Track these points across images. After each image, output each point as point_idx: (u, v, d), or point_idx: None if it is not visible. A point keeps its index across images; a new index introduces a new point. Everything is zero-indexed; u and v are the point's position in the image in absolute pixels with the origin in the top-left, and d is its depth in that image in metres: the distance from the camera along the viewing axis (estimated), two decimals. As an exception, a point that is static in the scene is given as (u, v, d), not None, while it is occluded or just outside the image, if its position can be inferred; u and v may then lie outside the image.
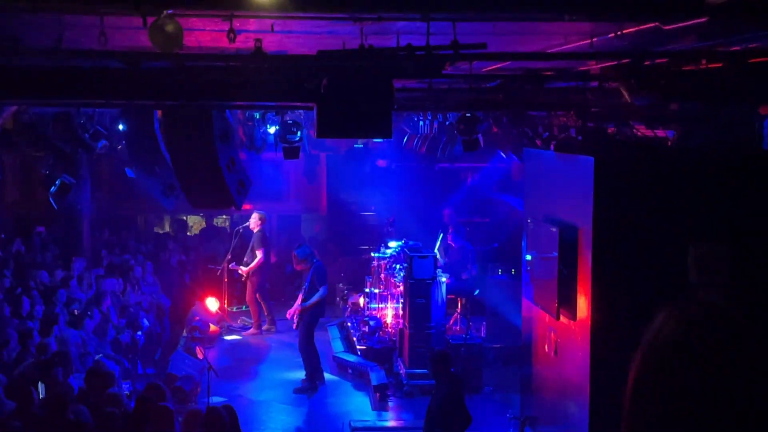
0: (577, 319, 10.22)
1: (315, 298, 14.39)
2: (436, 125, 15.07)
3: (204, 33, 7.48)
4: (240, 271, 17.62)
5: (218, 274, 18.19)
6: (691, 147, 10.60)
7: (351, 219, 20.20)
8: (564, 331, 10.72)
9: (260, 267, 17.61)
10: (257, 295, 17.71)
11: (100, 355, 12.33)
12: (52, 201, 12.94)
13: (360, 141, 19.20)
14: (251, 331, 17.76)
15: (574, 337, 10.36)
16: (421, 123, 16.01)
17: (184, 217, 22.44)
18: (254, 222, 17.68)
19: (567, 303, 10.40)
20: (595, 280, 9.85)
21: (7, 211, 16.78)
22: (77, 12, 6.08)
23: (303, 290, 14.54)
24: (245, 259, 17.66)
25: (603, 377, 9.81)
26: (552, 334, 11.10)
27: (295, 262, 15.02)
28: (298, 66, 8.13)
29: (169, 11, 5.17)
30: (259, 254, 17.48)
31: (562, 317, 10.64)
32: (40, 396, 9.73)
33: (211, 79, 8.60)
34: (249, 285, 17.77)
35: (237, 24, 6.27)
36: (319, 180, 21.15)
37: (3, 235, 15.89)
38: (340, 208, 20.43)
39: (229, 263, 17.84)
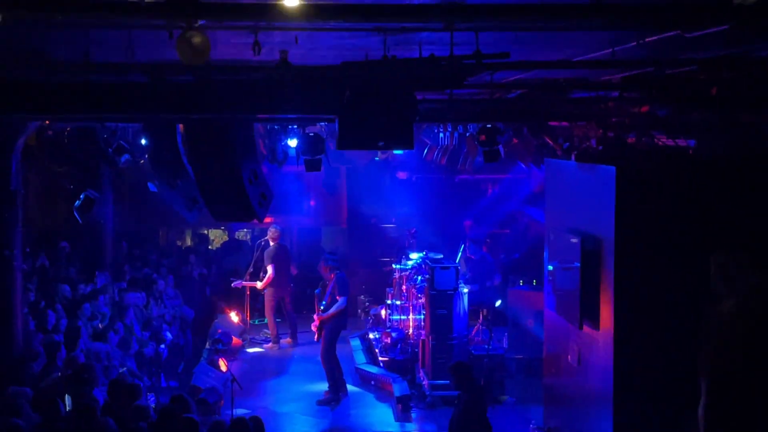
0: (600, 328, 10.21)
1: (334, 309, 14.43)
2: (456, 136, 15.09)
3: (229, 46, 7.55)
4: (259, 287, 17.69)
5: (240, 287, 18.25)
6: (712, 155, 10.58)
7: (372, 231, 20.22)
8: (587, 341, 10.70)
9: (275, 281, 17.69)
10: (283, 308, 17.83)
11: (124, 368, 12.40)
12: (76, 215, 13.03)
13: (380, 153, 19.23)
14: (270, 344, 17.82)
15: (597, 347, 10.35)
16: (441, 134, 16.04)
17: (206, 231, 22.53)
18: (269, 236, 17.82)
19: (590, 313, 10.38)
20: (618, 289, 9.84)
21: (31, 226, 16.87)
22: (107, 26, 6.14)
23: (324, 300, 14.58)
24: (261, 274, 17.77)
25: (627, 387, 9.80)
26: (575, 345, 11.09)
27: (322, 269, 15.09)
28: (322, 76, 8.18)
29: (198, 23, 5.22)
30: (269, 270, 17.58)
31: (584, 327, 10.63)
32: (67, 409, 9.78)
33: (234, 91, 8.66)
34: (266, 298, 17.87)
35: (262, 37, 6.34)
36: (340, 192, 21.18)
37: (27, 249, 15.98)
38: (361, 220, 20.45)
39: (251, 276, 17.90)
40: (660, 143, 11.27)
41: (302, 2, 5.23)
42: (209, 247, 22.56)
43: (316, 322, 14.53)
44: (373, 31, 6.69)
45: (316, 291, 15.23)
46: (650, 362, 9.67)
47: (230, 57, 8.42)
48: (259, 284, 17.70)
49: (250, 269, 18.05)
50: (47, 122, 12.20)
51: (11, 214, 11.24)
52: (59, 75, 8.61)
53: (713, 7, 5.44)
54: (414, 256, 15.94)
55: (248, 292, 18.22)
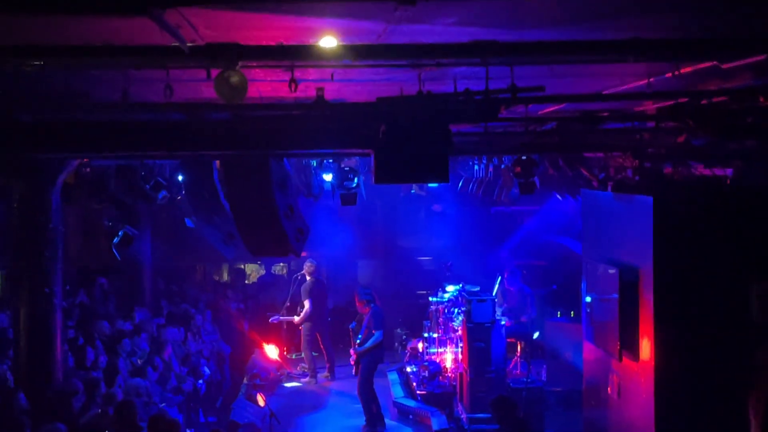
0: (640, 360, 10.13)
1: (370, 343, 14.42)
2: (491, 169, 15.09)
3: (265, 83, 7.63)
4: (296, 321, 17.71)
5: (277, 321, 18.28)
6: (749, 185, 10.51)
7: (408, 264, 20.21)
8: (627, 373, 10.62)
9: (312, 315, 17.73)
10: (320, 343, 17.83)
11: (163, 404, 12.44)
12: (114, 252, 13.15)
13: (415, 186, 19.25)
14: (307, 378, 17.81)
15: (638, 379, 10.26)
16: (476, 167, 16.05)
17: (242, 266, 22.62)
18: (306, 270, 17.86)
19: (629, 344, 10.31)
20: (658, 320, 9.78)
21: (71, 263, 17.04)
22: (146, 67, 6.23)
23: (360, 334, 14.59)
24: (298, 309, 17.80)
25: (668, 419, 9.70)
26: (614, 377, 11.00)
27: (357, 303, 15.11)
28: (357, 113, 8.23)
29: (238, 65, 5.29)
30: (306, 305, 17.61)
31: (624, 359, 10.55)
32: (107, 445, 9.84)
33: (270, 128, 8.73)
34: (303, 333, 17.88)
35: (298, 74, 6.40)
36: (376, 226, 21.21)
37: (67, 287, 16.13)
38: (397, 253, 20.46)
39: (287, 311, 17.94)
40: (697, 173, 11.21)
41: (340, 44, 5.28)
42: (246, 281, 22.64)
43: (354, 357, 14.53)
44: (407, 66, 6.73)
45: (351, 326, 15.23)
46: (691, 394, 9.58)
47: (267, 94, 8.50)
48: (296, 319, 17.74)
49: (287, 303, 18.09)
50: (86, 160, 12.35)
51: (51, 251, 11.35)
52: (99, 114, 8.74)
53: (746, 40, 5.44)
54: (450, 288, 15.90)
55: (285, 327, 18.25)
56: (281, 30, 5.16)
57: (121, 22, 4.29)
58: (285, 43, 5.38)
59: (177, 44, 4.87)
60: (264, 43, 5.43)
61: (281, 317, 17.88)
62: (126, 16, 3.85)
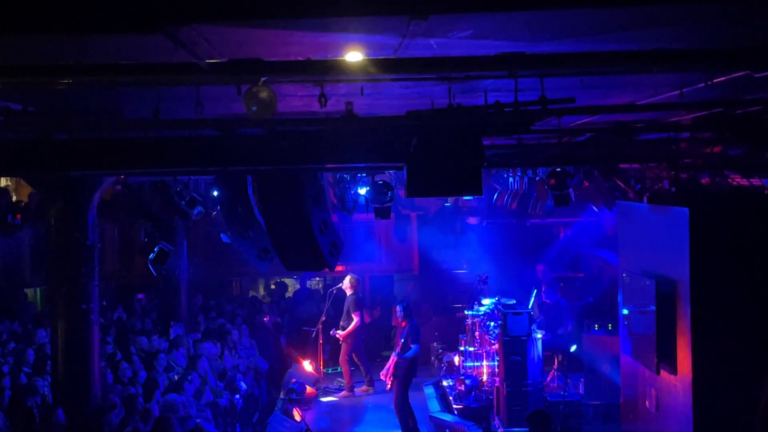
0: (678, 373, 10.02)
1: (408, 355, 14.39)
2: (526, 181, 15.03)
3: (295, 98, 7.65)
4: (338, 336, 17.70)
5: (313, 335, 18.28)
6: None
7: (443, 277, 20.15)
8: (665, 387, 10.51)
9: (355, 330, 17.69)
10: (354, 356, 17.78)
11: (200, 420, 12.47)
12: (151, 268, 13.25)
13: (450, 199, 19.22)
14: (344, 392, 17.79)
15: (676, 393, 10.15)
16: (510, 179, 16.00)
17: (279, 280, 22.68)
18: (348, 285, 17.76)
19: (667, 357, 10.21)
20: (696, 332, 9.67)
21: (108, 279, 17.22)
22: (176, 84, 6.28)
23: (397, 348, 14.56)
24: (341, 323, 17.74)
25: (707, 433, 9.59)
26: (653, 390, 10.89)
27: (394, 317, 15.09)
28: (388, 127, 8.24)
29: (264, 79, 5.31)
30: (355, 318, 17.55)
31: (662, 372, 10.44)
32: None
33: (303, 142, 8.77)
34: (343, 346, 17.82)
35: (327, 89, 6.42)
36: (411, 239, 21.19)
37: (104, 303, 16.28)
38: (432, 266, 20.41)
39: (323, 324, 17.94)
40: (734, 183, 11.10)
41: (365, 58, 5.29)
42: (285, 295, 22.70)
43: (390, 371, 14.49)
44: (437, 80, 6.72)
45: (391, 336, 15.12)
46: (731, 408, 9.44)
47: (298, 109, 8.53)
48: (339, 333, 17.69)
49: (323, 318, 18.09)
50: (123, 177, 12.47)
51: (88, 268, 11.46)
52: (132, 131, 8.82)
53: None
54: (486, 301, 15.83)
55: (321, 341, 18.25)
56: (301, 46, 5.17)
57: (142, 41, 4.32)
58: (310, 57, 5.39)
59: (196, 62, 4.91)
60: (285, 58, 5.44)
61: (339, 332, 17.75)
62: (141, 34, 3.88)
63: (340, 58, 5.32)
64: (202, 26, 4.18)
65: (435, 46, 5.02)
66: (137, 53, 5.00)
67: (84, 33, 3.87)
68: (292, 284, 23.09)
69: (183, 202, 12.97)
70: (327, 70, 5.44)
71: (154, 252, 13.18)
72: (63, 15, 3.67)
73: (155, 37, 4.00)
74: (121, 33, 3.97)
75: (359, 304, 17.70)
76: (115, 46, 4.66)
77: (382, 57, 5.43)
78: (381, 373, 14.83)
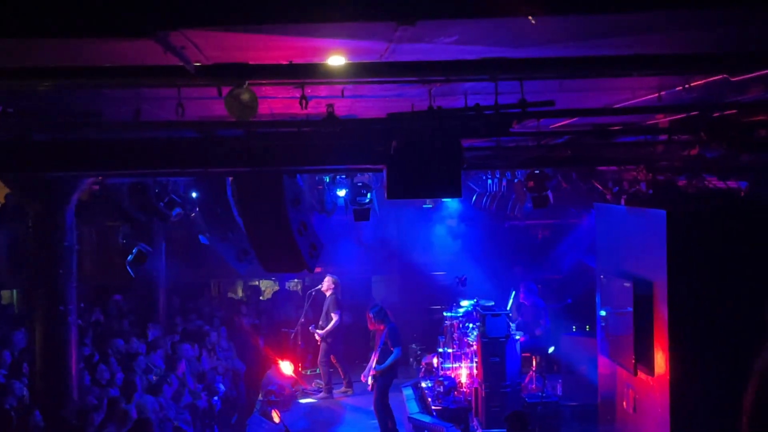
0: (656, 374, 10.10)
1: (390, 361, 14.39)
2: (504, 183, 15.10)
3: (276, 100, 7.66)
4: (317, 334, 17.67)
5: (292, 337, 18.27)
6: (763, 197, 10.49)
7: (422, 279, 20.14)
8: (642, 387, 10.59)
9: (334, 330, 17.69)
10: (332, 358, 17.77)
11: (177, 422, 12.44)
12: (129, 269, 13.20)
13: (429, 201, 19.25)
14: (322, 394, 17.78)
15: (653, 393, 10.23)
16: (489, 181, 16.06)
17: (257, 282, 22.63)
18: (327, 285, 17.76)
19: (644, 358, 10.29)
20: (673, 333, 9.76)
21: (86, 281, 17.11)
22: (157, 85, 6.28)
23: (377, 351, 14.55)
24: (320, 323, 17.73)
25: (684, 433, 9.66)
26: (630, 391, 10.96)
27: (369, 322, 15.10)
28: (368, 129, 8.27)
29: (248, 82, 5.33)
30: (334, 317, 17.55)
31: (639, 373, 10.52)
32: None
33: (283, 144, 8.78)
34: (322, 348, 17.81)
35: (308, 90, 6.43)
36: (390, 241, 21.19)
37: (82, 304, 16.20)
38: (410, 268, 20.39)
39: (302, 326, 17.93)
40: (711, 186, 11.19)
41: (348, 62, 5.31)
42: (261, 297, 22.66)
43: (369, 373, 14.50)
44: (417, 82, 6.75)
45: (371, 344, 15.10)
46: (708, 408, 9.53)
47: (278, 111, 8.54)
48: (318, 332, 17.67)
49: (302, 319, 18.08)
50: (100, 178, 12.42)
51: (66, 269, 11.41)
52: (112, 133, 8.80)
53: (754, 55, 5.45)
54: (465, 303, 15.88)
55: (300, 342, 18.23)
56: (288, 50, 5.19)
57: (130, 44, 4.33)
58: (294, 61, 5.40)
59: (184, 65, 4.91)
60: (272, 62, 5.45)
61: (318, 331, 17.72)
62: (131, 38, 3.89)
63: (326, 63, 5.34)
64: (191, 31, 4.19)
65: (421, 51, 5.05)
66: (121, 57, 5.00)
67: (74, 37, 3.87)
68: (270, 286, 23.03)
69: (162, 204, 12.94)
70: (312, 74, 5.46)
71: (132, 254, 13.13)
72: (50, 19, 3.67)
73: (144, 41, 4.01)
74: (111, 37, 3.97)
75: (338, 304, 17.71)
76: (98, 49, 4.66)
77: (367, 61, 5.46)
78: (362, 376, 14.84)
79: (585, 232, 16.85)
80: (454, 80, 6.46)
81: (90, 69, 5.24)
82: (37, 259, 11.54)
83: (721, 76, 6.50)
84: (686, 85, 7.27)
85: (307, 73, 5.46)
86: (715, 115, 8.60)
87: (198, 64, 5.13)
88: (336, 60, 5.34)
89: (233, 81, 5.31)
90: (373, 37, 4.83)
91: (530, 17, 4.12)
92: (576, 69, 5.54)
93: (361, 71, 5.38)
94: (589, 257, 15.65)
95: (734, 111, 8.28)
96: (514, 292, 16.36)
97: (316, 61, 5.45)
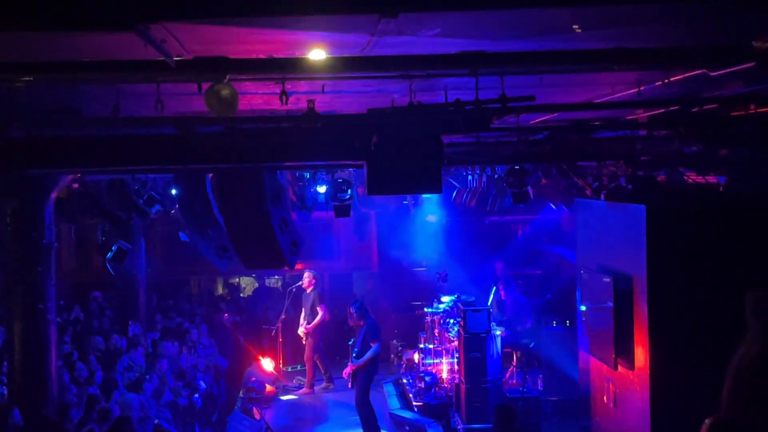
0: (636, 368, 10.13)
1: (368, 356, 14.36)
2: (484, 179, 15.11)
3: (256, 96, 7.64)
4: (305, 330, 17.63)
5: (272, 334, 18.24)
6: (742, 192, 10.54)
7: (402, 275, 20.14)
8: (623, 382, 10.62)
9: (318, 326, 17.69)
10: (314, 355, 17.76)
11: (158, 420, 12.40)
12: (108, 267, 13.14)
13: (409, 197, 19.25)
14: (304, 390, 17.76)
15: (634, 388, 10.26)
16: (469, 177, 16.07)
17: (237, 279, 22.60)
18: (307, 281, 17.73)
19: (624, 353, 10.31)
20: (652, 328, 9.78)
21: (65, 279, 17.04)
22: (137, 81, 6.25)
23: (356, 347, 14.53)
24: (305, 318, 17.70)
25: (664, 427, 9.69)
26: (610, 385, 10.99)
27: (350, 318, 15.09)
28: (349, 124, 8.25)
29: (229, 76, 5.30)
30: (320, 311, 17.55)
31: (620, 367, 10.55)
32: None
33: (263, 141, 8.75)
34: (308, 343, 17.77)
35: (289, 86, 6.42)
36: (370, 237, 21.19)
37: (62, 302, 16.13)
38: (391, 264, 20.38)
39: (283, 323, 17.89)
40: (690, 181, 11.24)
41: (329, 56, 5.30)
42: (241, 294, 22.62)
43: (349, 369, 14.49)
44: (398, 77, 6.75)
45: (350, 342, 15.11)
46: (688, 402, 9.52)
47: (258, 107, 8.51)
48: (301, 330, 17.65)
49: (283, 316, 18.05)
50: (79, 175, 12.35)
51: (44, 267, 11.34)
52: (91, 129, 8.75)
53: (733, 49, 5.47)
54: (446, 299, 15.89)
55: (280, 339, 18.21)
56: (269, 44, 5.17)
57: (109, 38, 4.30)
58: (274, 56, 5.39)
59: (164, 59, 4.88)
60: (253, 56, 5.44)
61: (306, 327, 17.69)
62: (112, 31, 3.87)
63: (306, 57, 5.33)
64: (172, 24, 4.17)
65: (402, 44, 5.04)
66: (100, 51, 4.97)
67: (53, 31, 3.84)
68: (251, 283, 23.00)
69: (141, 201, 12.89)
70: (292, 68, 5.45)
71: (111, 251, 13.07)
72: (29, 13, 3.64)
73: (124, 34, 3.99)
74: (91, 31, 3.95)
75: (322, 298, 17.71)
76: (78, 43, 4.63)
77: (348, 55, 5.45)
78: (344, 372, 14.83)
79: (565, 228, 16.91)
80: (434, 75, 6.46)
81: (69, 64, 5.21)
82: (14, 256, 11.44)
83: (700, 71, 6.53)
84: (666, 80, 7.30)
85: (288, 67, 5.45)
86: (694, 110, 8.64)
87: (178, 58, 5.10)
88: (316, 54, 5.33)
89: (214, 75, 5.29)
90: (355, 30, 4.82)
91: (575, 27, 4.11)
92: (557, 62, 5.55)
93: (343, 65, 5.37)
94: (569, 252, 15.69)
95: (713, 106, 8.32)
96: (494, 288, 16.39)
97: (298, 55, 5.44)
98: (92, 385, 12.55)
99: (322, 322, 17.67)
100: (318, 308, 17.55)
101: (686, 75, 7.00)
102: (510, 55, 5.45)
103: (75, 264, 19.82)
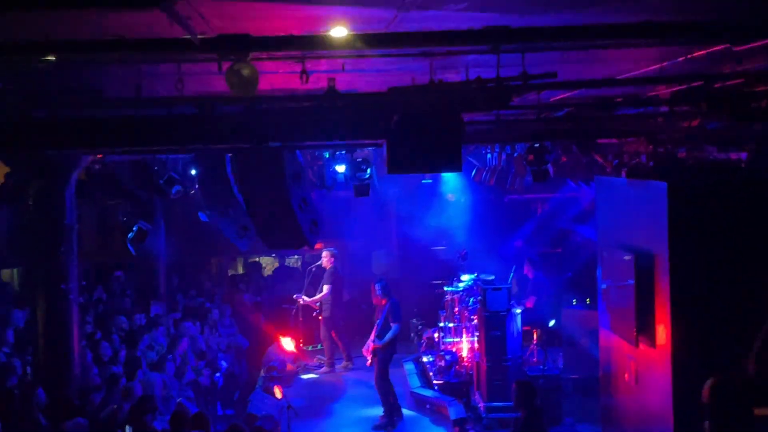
0: (657, 346, 10.11)
1: (389, 336, 14.37)
2: (504, 157, 15.07)
3: (276, 75, 7.63)
4: (302, 302, 17.72)
5: (293, 313, 18.31)
6: (764, 168, 10.47)
7: (422, 254, 20.12)
8: (644, 359, 10.60)
9: (332, 304, 17.74)
10: (333, 333, 17.82)
11: (181, 398, 12.47)
12: (129, 247, 13.21)
13: (429, 176, 19.21)
14: (324, 369, 17.85)
15: (655, 365, 10.24)
16: (489, 155, 16.03)
17: (257, 258, 22.63)
18: (326, 260, 17.82)
19: (646, 330, 10.29)
20: (674, 305, 9.76)
21: (86, 259, 17.11)
22: (158, 61, 6.25)
23: (377, 326, 14.55)
24: (323, 296, 17.81)
25: (686, 404, 9.67)
26: (632, 363, 10.98)
27: (374, 296, 15.13)
28: (369, 103, 8.22)
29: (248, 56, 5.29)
30: (325, 289, 17.63)
31: (641, 345, 10.53)
32: (126, 439, 9.85)
33: (283, 120, 8.73)
34: (323, 323, 17.87)
35: (309, 65, 6.40)
36: (389, 216, 21.16)
37: (84, 283, 16.22)
38: (410, 243, 20.36)
39: (303, 303, 17.95)
40: (711, 157, 11.17)
41: (351, 33, 5.27)
42: (262, 274, 22.67)
43: (371, 348, 14.50)
44: (419, 55, 6.72)
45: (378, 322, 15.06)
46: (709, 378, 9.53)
47: (278, 86, 8.50)
48: (304, 298, 17.72)
49: (303, 295, 18.11)
50: (100, 156, 12.39)
51: (66, 248, 11.41)
52: (112, 110, 8.77)
53: (760, 22, 5.41)
54: (465, 277, 15.88)
55: (301, 318, 18.27)
56: (291, 20, 5.16)
57: (134, 17, 4.29)
58: (296, 33, 5.37)
59: (187, 36, 4.87)
60: (274, 34, 5.41)
61: (304, 298, 17.78)
62: (139, 9, 3.86)
63: (329, 33, 5.30)
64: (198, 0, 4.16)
65: (426, 19, 5.01)
66: (125, 29, 4.97)
67: (83, 8, 3.84)
68: (271, 263, 23.04)
69: (161, 181, 12.92)
70: (314, 45, 5.43)
71: (132, 231, 13.14)
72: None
73: (150, 12, 3.98)
74: (120, 8, 3.94)
75: (333, 278, 17.75)
76: (103, 22, 4.63)
77: (371, 32, 5.42)
78: (363, 349, 14.87)
79: (585, 205, 16.85)
80: (456, 52, 6.43)
81: (93, 42, 5.20)
82: (37, 237, 11.53)
83: (724, 46, 6.47)
84: (688, 56, 7.24)
85: (311, 44, 5.43)
86: (717, 85, 8.57)
87: (202, 36, 5.09)
88: (338, 31, 5.31)
89: (236, 52, 5.26)
90: (382, 5, 4.79)
91: None
92: (581, 37, 5.50)
93: (366, 42, 5.33)
94: (590, 230, 15.65)
95: (737, 81, 8.24)
96: (514, 266, 16.36)
97: (320, 32, 5.42)
98: (116, 365, 12.63)
99: (335, 302, 17.74)
100: (324, 286, 17.63)
101: (709, 50, 6.95)
102: (534, 30, 5.41)
103: (96, 244, 19.90)
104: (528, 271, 16.51)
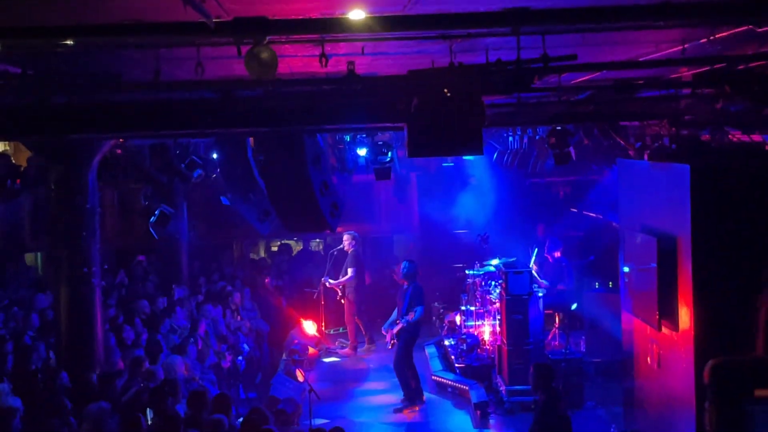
0: (680, 329, 10.06)
1: (414, 319, 14.33)
2: (526, 140, 15.01)
3: (296, 59, 7.61)
4: (328, 285, 17.76)
5: (315, 297, 18.35)
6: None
7: (443, 237, 20.09)
8: (666, 343, 10.55)
9: (356, 287, 17.76)
10: (355, 317, 17.86)
11: (204, 381, 12.53)
12: (152, 231, 13.26)
13: (450, 159, 19.17)
14: (347, 351, 17.89)
15: (678, 349, 10.19)
16: (510, 138, 15.98)
17: (279, 242, 22.67)
18: (347, 243, 17.83)
19: (668, 314, 10.24)
20: (697, 289, 9.69)
21: (108, 243, 17.20)
22: (177, 45, 6.24)
23: (400, 308, 14.53)
24: (339, 278, 17.84)
25: (709, 388, 9.63)
26: (654, 346, 10.94)
27: (396, 274, 15.12)
28: (389, 86, 8.19)
29: (266, 40, 5.27)
30: (350, 272, 17.64)
31: (663, 328, 10.48)
32: (149, 422, 9.90)
33: (303, 104, 8.73)
34: (346, 306, 17.90)
35: (328, 48, 6.38)
36: (411, 199, 21.15)
37: (106, 266, 16.30)
38: (432, 226, 20.34)
39: (324, 286, 17.97)
40: (734, 140, 11.08)
41: (369, 15, 5.24)
42: (286, 257, 22.72)
43: (396, 329, 14.46)
44: (438, 38, 6.68)
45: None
46: (732, 362, 9.49)
47: (298, 70, 8.49)
48: (330, 281, 17.74)
49: (324, 279, 18.14)
50: (122, 141, 12.43)
51: (89, 232, 11.45)
52: (132, 95, 8.78)
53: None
54: (494, 262, 15.83)
55: (322, 302, 18.30)
56: (308, 2, 5.13)
57: (149, 0, 4.28)
58: (313, 16, 5.35)
59: (204, 20, 4.85)
60: (293, 16, 5.39)
61: (331, 281, 17.81)
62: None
63: (346, 16, 5.27)
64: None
65: (443, 1, 4.97)
66: (140, 13, 4.96)
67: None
68: (294, 246, 23.07)
69: (183, 165, 12.96)
70: (332, 28, 5.41)
71: (155, 215, 13.18)
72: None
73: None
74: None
75: (356, 261, 17.76)
76: (118, 6, 4.62)
77: (388, 14, 5.38)
78: (383, 329, 14.87)
79: (607, 189, 16.77)
80: (475, 35, 6.39)
81: (110, 26, 5.20)
82: (59, 221, 11.59)
83: (746, 27, 6.40)
84: (711, 37, 7.17)
85: (328, 26, 5.40)
86: (740, 67, 8.48)
87: (218, 19, 5.07)
88: (356, 14, 5.28)
89: (253, 35, 5.25)
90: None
91: None
92: (601, 18, 5.44)
93: (384, 24, 5.30)
94: (612, 213, 15.57)
95: (760, 63, 8.16)
96: (536, 249, 16.31)
97: (337, 15, 5.39)
98: (138, 348, 12.70)
99: (358, 284, 17.75)
100: (348, 269, 17.64)
101: (732, 32, 6.88)
102: (553, 12, 5.36)
103: (118, 229, 19.99)
104: (548, 253, 16.45)
